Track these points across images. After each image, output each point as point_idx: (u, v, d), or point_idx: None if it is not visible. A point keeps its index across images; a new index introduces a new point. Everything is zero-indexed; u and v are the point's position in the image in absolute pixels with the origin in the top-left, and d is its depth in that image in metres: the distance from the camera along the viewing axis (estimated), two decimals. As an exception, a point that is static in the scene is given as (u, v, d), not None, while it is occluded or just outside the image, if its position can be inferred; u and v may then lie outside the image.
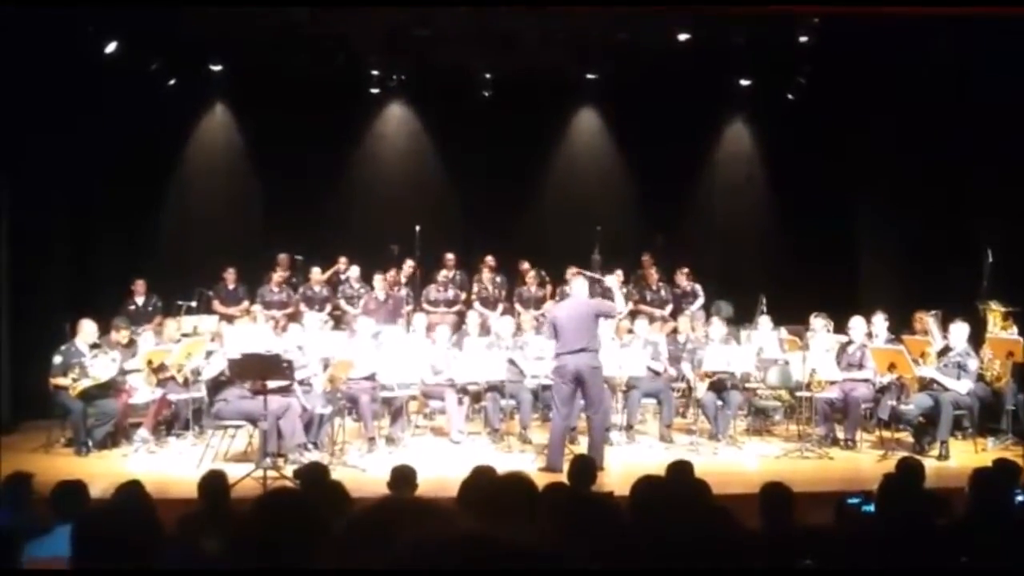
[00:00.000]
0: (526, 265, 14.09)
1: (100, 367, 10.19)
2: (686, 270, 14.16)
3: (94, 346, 10.40)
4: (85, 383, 10.05)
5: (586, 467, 6.31)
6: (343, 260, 14.21)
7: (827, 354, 10.71)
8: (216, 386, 9.60)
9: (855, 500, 5.46)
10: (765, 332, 11.98)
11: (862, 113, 13.67)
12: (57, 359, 10.19)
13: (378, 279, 13.33)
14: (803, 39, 12.56)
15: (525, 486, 3.09)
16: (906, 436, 10.66)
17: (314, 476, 6.04)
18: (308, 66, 13.53)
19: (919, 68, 12.38)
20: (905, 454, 8.68)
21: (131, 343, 11.02)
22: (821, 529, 4.74)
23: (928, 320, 11.28)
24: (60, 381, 10.10)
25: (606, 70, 14.29)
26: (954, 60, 11.83)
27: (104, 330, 10.90)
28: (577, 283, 9.74)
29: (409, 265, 13.83)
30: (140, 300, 12.92)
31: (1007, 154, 11.49)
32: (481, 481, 4.70)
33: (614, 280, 10.12)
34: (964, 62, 11.76)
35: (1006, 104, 11.16)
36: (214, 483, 5.86)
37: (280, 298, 13.61)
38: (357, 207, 15.08)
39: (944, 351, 10.44)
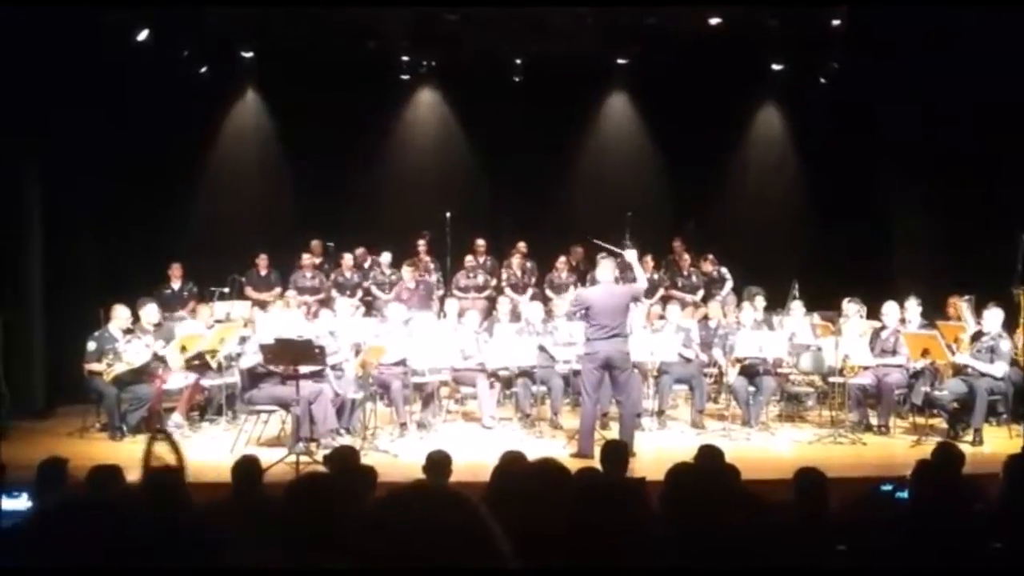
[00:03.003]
0: (563, 259, 14.02)
1: (133, 352, 10.28)
2: (711, 256, 14.10)
3: (127, 331, 10.48)
4: (119, 368, 10.14)
5: (618, 452, 6.31)
6: (361, 250, 14.19)
7: (860, 339, 10.65)
8: (253, 376, 9.64)
9: (888, 487, 5.44)
10: (797, 317, 11.91)
11: (894, 97, 13.53)
12: (91, 345, 10.28)
13: (406, 269, 13.36)
14: (835, 22, 12.45)
15: (556, 472, 3.09)
16: (940, 422, 10.58)
17: (344, 460, 6.08)
18: (338, 52, 13.56)
19: (951, 51, 12.23)
20: (939, 440, 8.65)
21: (160, 325, 11.04)
22: (855, 515, 4.72)
23: (962, 305, 11.18)
24: (94, 367, 10.20)
25: (637, 54, 14.22)
26: (991, 41, 11.68)
27: (137, 316, 11.00)
28: (604, 267, 9.69)
29: (421, 244, 13.87)
30: (176, 285, 13.02)
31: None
32: (512, 467, 4.70)
33: (633, 254, 9.92)
34: (1002, 42, 11.60)
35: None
36: (247, 468, 5.90)
37: (312, 284, 13.67)
38: (388, 193, 15.10)
39: (977, 336, 10.35)
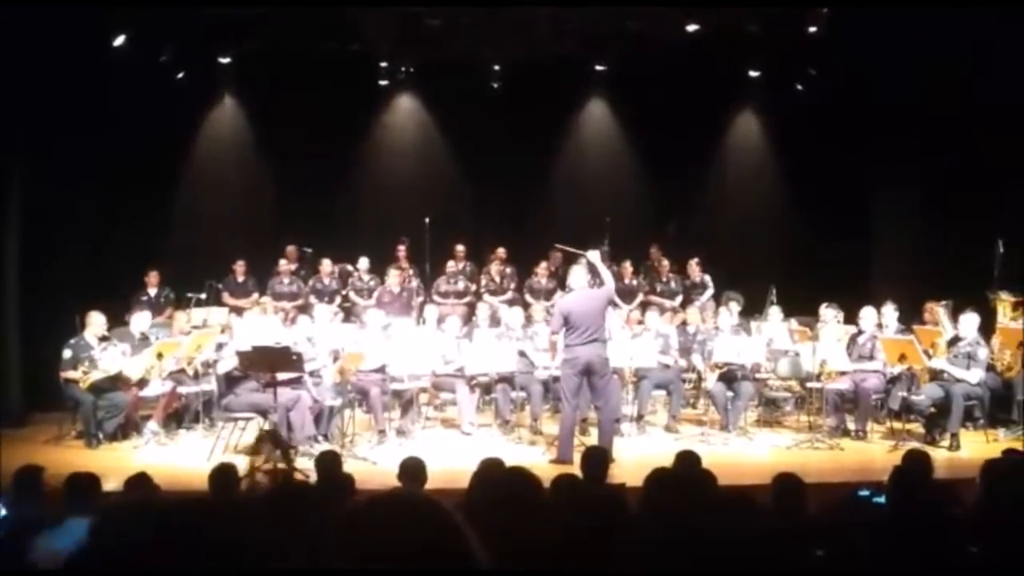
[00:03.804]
0: (543, 264, 14.00)
1: (109, 359, 10.20)
2: (696, 260, 14.13)
3: (103, 338, 10.41)
4: (95, 376, 10.06)
5: (598, 458, 6.31)
6: (326, 260, 14.06)
7: (837, 344, 10.69)
8: (229, 381, 9.61)
9: (866, 492, 5.46)
10: (775, 323, 11.96)
11: (871, 103, 13.60)
12: (67, 353, 10.20)
13: (392, 273, 13.34)
14: (812, 30, 12.52)
15: (531, 482, 3.08)
16: (917, 427, 10.64)
17: (327, 465, 6.07)
18: (317, 58, 13.55)
19: (930, 58, 12.31)
20: (915, 445, 8.68)
21: (145, 338, 10.98)
22: (833, 520, 4.73)
23: (938, 310, 11.25)
24: (70, 374, 10.11)
25: (616, 61, 14.29)
26: (967, 49, 11.77)
27: (115, 322, 10.93)
28: (576, 273, 9.69)
29: (401, 249, 13.85)
30: (153, 292, 12.96)
31: (1020, 144, 11.45)
32: (489, 475, 4.69)
33: (596, 256, 9.78)
34: (977, 50, 11.69)
35: (1018, 92, 11.13)
36: (224, 476, 5.87)
37: (290, 290, 13.63)
38: (367, 199, 15.10)
39: (954, 341, 10.40)
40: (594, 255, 9.77)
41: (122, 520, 2.67)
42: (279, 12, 12.17)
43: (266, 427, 9.30)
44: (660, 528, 3.04)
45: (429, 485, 6.16)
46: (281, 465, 5.38)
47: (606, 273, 9.73)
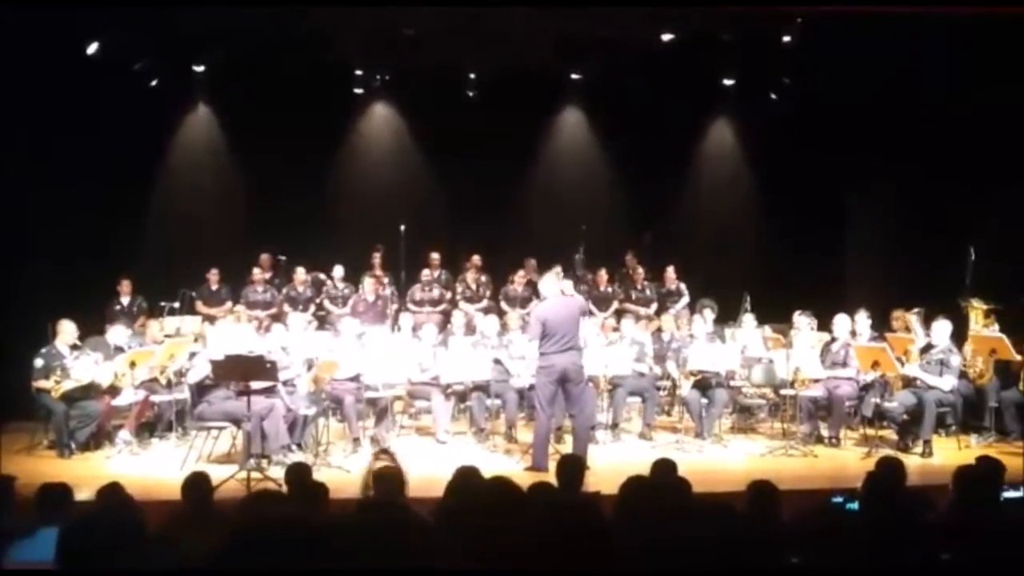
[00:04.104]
0: (520, 272, 14.01)
1: (81, 368, 10.12)
2: (671, 268, 14.17)
3: (75, 347, 10.33)
4: (67, 385, 9.98)
5: (574, 466, 6.27)
6: (300, 269, 14.01)
7: (811, 352, 10.74)
8: (201, 390, 9.56)
9: (839, 498, 5.48)
10: (749, 330, 12.01)
11: (845, 113, 13.69)
12: (38, 362, 10.11)
13: (367, 281, 13.32)
14: (786, 39, 12.59)
15: (509, 491, 3.08)
16: (890, 434, 10.70)
17: (298, 475, 6.02)
18: (291, 66, 13.51)
19: (902, 68, 12.42)
20: (889, 451, 8.73)
21: (120, 350, 10.89)
22: (807, 526, 4.74)
23: (910, 318, 11.32)
24: (42, 384, 10.03)
25: (591, 69, 14.32)
26: (940, 60, 11.89)
27: (87, 331, 10.84)
28: (547, 281, 9.71)
29: (376, 257, 13.83)
30: (125, 300, 12.89)
31: (990, 153, 11.56)
32: (466, 485, 4.69)
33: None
34: (950, 60, 11.81)
35: (989, 103, 11.24)
36: (198, 485, 5.83)
37: (264, 298, 13.57)
38: (342, 207, 15.05)
39: (927, 348, 10.47)
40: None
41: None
42: (254, 20, 12.10)
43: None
44: (636, 536, 3.04)
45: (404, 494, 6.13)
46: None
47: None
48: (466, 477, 4.94)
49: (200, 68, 13.94)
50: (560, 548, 2.67)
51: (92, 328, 11.12)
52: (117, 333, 11.00)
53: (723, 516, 3.71)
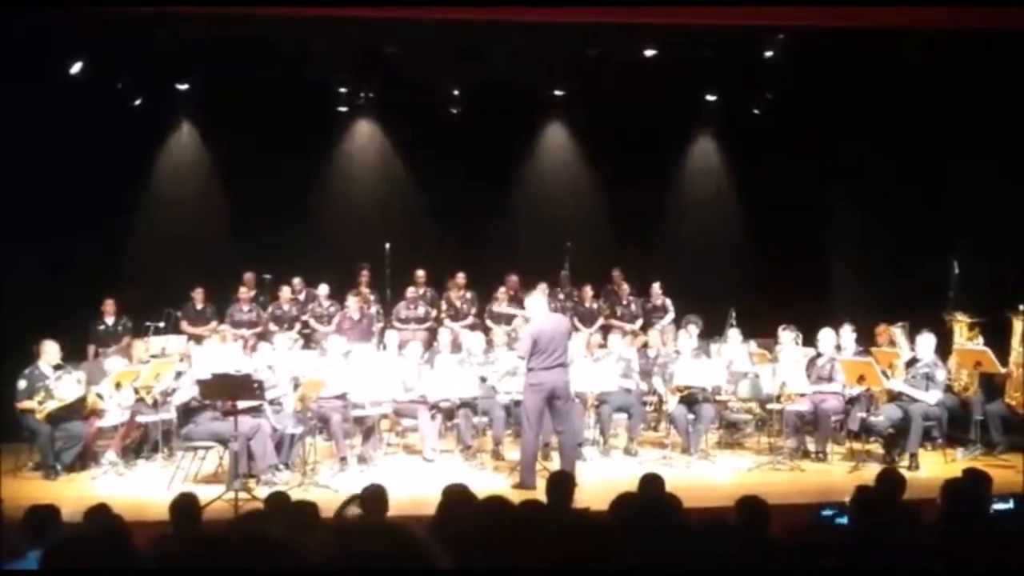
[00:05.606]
0: (502, 289, 14.03)
1: (65, 388, 10.07)
2: (657, 284, 14.19)
3: (58, 367, 10.28)
4: (51, 405, 9.93)
5: (564, 483, 6.27)
6: (297, 280, 14.05)
7: (796, 366, 10.76)
8: (187, 411, 9.51)
9: (829, 512, 5.49)
10: (735, 345, 12.03)
11: (828, 128, 13.77)
12: (22, 383, 10.06)
13: (352, 299, 13.30)
14: (769, 54, 12.66)
15: (504, 509, 3.08)
16: (876, 447, 10.74)
17: (280, 501, 5.96)
18: (275, 84, 13.50)
19: (885, 82, 12.50)
20: (878, 466, 8.76)
21: (97, 355, 10.83)
22: (797, 540, 4.75)
23: (895, 332, 11.38)
24: (26, 405, 9.98)
25: (574, 86, 14.34)
26: (919, 74, 11.97)
27: (71, 351, 10.78)
28: (536, 298, 9.76)
29: (364, 275, 13.83)
30: (110, 320, 12.83)
31: (972, 168, 11.65)
32: (458, 503, 4.67)
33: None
34: (930, 76, 11.89)
35: (972, 118, 11.33)
36: (185, 506, 5.80)
37: (249, 317, 13.54)
38: (326, 225, 15.01)
39: (912, 362, 10.52)
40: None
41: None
42: (237, 38, 12.09)
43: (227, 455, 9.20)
44: (631, 553, 3.04)
45: (393, 512, 6.10)
46: None
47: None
48: (457, 496, 4.92)
49: (183, 87, 13.92)
50: (559, 566, 2.66)
51: (76, 348, 11.06)
52: (114, 363, 10.93)
53: (714, 531, 3.72)
